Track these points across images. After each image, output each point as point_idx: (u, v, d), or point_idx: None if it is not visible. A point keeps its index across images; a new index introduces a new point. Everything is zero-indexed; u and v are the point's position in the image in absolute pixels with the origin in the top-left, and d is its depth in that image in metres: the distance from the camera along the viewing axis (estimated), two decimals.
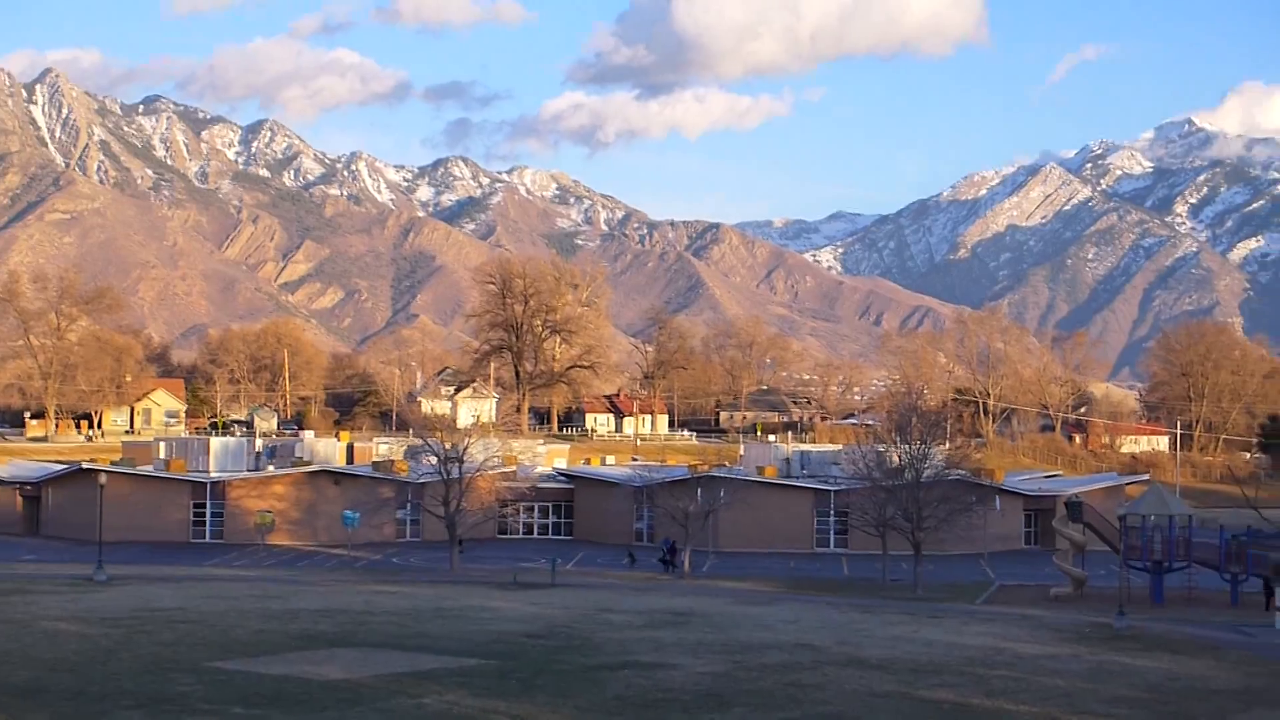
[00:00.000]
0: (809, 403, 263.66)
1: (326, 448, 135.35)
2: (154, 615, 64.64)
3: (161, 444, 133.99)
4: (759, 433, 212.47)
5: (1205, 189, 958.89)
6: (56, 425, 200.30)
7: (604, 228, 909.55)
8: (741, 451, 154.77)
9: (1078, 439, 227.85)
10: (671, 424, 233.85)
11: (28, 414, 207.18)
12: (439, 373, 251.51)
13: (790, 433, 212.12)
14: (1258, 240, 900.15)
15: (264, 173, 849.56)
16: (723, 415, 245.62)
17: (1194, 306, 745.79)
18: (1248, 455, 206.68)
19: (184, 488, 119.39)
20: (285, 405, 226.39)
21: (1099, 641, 63.73)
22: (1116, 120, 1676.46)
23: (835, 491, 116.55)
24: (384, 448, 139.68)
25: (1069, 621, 71.80)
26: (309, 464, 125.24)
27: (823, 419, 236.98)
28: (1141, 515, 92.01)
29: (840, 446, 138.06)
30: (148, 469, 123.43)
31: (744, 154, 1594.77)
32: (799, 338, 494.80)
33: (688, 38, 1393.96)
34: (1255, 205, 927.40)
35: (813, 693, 48.04)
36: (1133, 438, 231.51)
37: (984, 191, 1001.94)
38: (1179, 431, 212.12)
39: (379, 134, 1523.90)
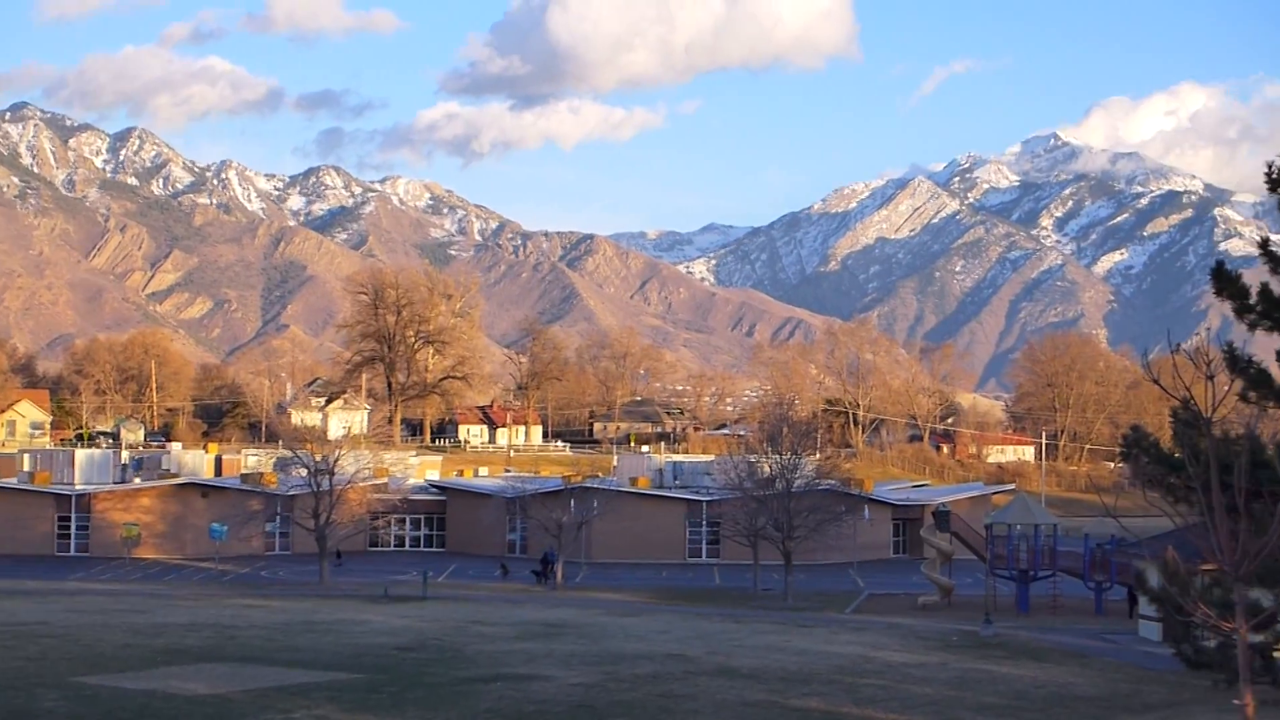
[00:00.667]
0: (682, 413, 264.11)
1: (194, 460, 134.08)
2: (17, 630, 63.81)
3: (26, 456, 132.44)
4: (632, 443, 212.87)
5: (1070, 202, 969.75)
6: None
7: (478, 238, 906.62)
8: (615, 462, 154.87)
9: (945, 449, 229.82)
10: (545, 435, 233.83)
11: None
12: (309, 384, 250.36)
13: (663, 443, 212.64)
14: (1121, 253, 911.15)
15: (132, 181, 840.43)
16: (596, 426, 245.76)
17: (1059, 318, 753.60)
18: (1111, 465, 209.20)
19: (49, 500, 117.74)
20: (152, 417, 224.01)
21: (966, 649, 64.29)
22: (984, 134, 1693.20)
23: (707, 502, 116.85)
24: (253, 460, 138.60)
25: (936, 630, 72.38)
26: (176, 476, 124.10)
27: (695, 429, 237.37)
28: (1007, 524, 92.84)
29: (712, 457, 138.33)
30: (11, 481, 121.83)
31: (618, 165, 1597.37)
32: (672, 348, 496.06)
33: (562, 48, 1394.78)
34: (1119, 219, 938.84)
35: (684, 703, 48.17)
36: (999, 447, 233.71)
37: (854, 204, 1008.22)
38: (1044, 441, 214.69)
39: (250, 142, 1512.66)
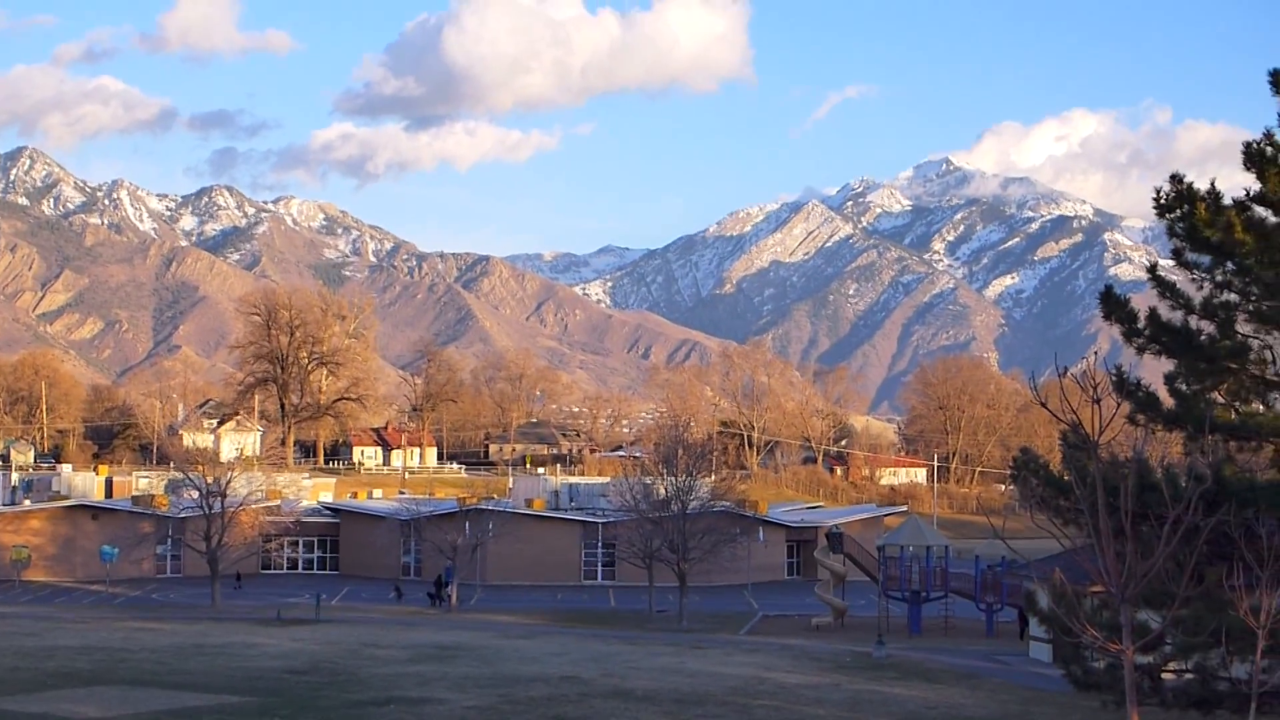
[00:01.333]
0: (578, 435, 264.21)
1: (84, 482, 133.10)
2: None
3: None
4: (528, 465, 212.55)
5: (962, 227, 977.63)
6: None
7: (372, 259, 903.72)
8: (510, 484, 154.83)
9: (839, 471, 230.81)
10: (440, 457, 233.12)
11: None
12: (201, 405, 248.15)
13: (559, 465, 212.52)
14: (1012, 277, 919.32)
15: (23, 201, 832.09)
16: (492, 448, 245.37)
17: (951, 342, 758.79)
18: (1002, 487, 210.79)
19: None
20: (43, 438, 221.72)
21: (858, 671, 64.55)
22: (877, 158, 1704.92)
23: (603, 524, 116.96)
24: (144, 482, 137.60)
25: (829, 651, 72.62)
26: (66, 498, 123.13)
27: (591, 451, 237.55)
28: (899, 546, 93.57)
29: (608, 479, 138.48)
30: None
31: (514, 187, 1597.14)
32: (568, 370, 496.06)
33: (458, 70, 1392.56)
34: (1010, 243, 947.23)
35: None
36: (892, 470, 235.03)
37: (749, 227, 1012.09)
38: (936, 464, 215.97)
39: (142, 162, 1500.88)
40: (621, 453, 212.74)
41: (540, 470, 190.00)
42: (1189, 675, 29.23)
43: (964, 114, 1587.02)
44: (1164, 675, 29.29)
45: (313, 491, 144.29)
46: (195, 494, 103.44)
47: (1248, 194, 30.02)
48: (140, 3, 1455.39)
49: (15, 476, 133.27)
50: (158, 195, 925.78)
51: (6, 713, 48.48)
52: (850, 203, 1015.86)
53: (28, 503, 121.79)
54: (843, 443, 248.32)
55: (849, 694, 56.85)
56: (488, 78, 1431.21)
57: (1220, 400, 30.80)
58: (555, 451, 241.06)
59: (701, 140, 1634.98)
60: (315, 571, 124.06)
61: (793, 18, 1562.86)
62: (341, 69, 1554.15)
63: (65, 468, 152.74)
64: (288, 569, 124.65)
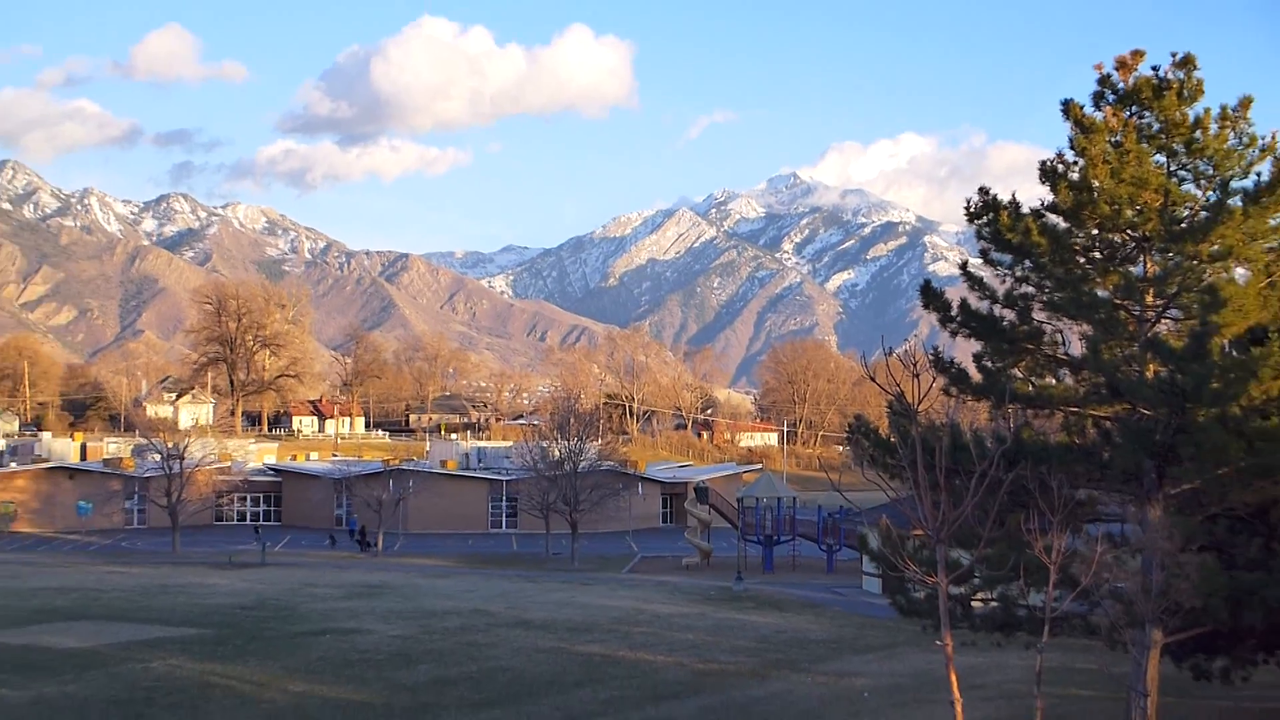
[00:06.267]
0: (485, 406, 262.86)
1: (62, 447, 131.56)
2: None
3: None
4: (443, 432, 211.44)
5: (807, 230, 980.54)
6: None
7: (308, 256, 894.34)
8: (428, 448, 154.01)
9: (705, 435, 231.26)
10: (367, 425, 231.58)
11: None
12: (161, 381, 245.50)
13: (469, 432, 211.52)
14: (849, 273, 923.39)
15: (6, 206, 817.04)
16: (412, 417, 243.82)
17: (798, 327, 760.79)
18: (840, 448, 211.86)
19: None
20: (25, 410, 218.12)
21: (721, 601, 64.92)
22: (737, 172, 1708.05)
23: (506, 481, 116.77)
24: (113, 447, 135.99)
25: (697, 586, 72.99)
26: (47, 461, 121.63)
27: (497, 420, 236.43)
28: (755, 498, 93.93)
29: (511, 443, 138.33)
30: None
31: (432, 195, 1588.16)
32: (477, 351, 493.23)
33: (384, 95, 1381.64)
34: (847, 244, 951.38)
35: (486, 650, 48.12)
36: (749, 434, 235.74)
37: (629, 230, 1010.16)
38: (786, 429, 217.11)
39: (110, 172, 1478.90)
40: (522, 421, 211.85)
41: (453, 436, 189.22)
42: (994, 603, 29.57)
43: (810, 135, 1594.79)
44: (973, 604, 29.62)
45: (258, 455, 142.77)
46: (157, 457, 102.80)
47: (1043, 204, 30.39)
48: (114, 35, 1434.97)
49: (2, 442, 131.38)
50: (123, 201, 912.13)
51: None
52: (714, 210, 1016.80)
53: (13, 465, 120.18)
54: (708, 411, 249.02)
55: (713, 621, 57.17)
56: (410, 102, 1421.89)
57: (1019, 375, 31.14)
58: (466, 420, 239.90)
59: (592, 156, 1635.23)
60: (261, 523, 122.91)
61: (670, 54, 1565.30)
62: (284, 93, 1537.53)
63: (45, 435, 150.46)
64: (237, 521, 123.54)
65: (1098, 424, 30.35)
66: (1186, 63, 29.87)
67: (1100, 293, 30.13)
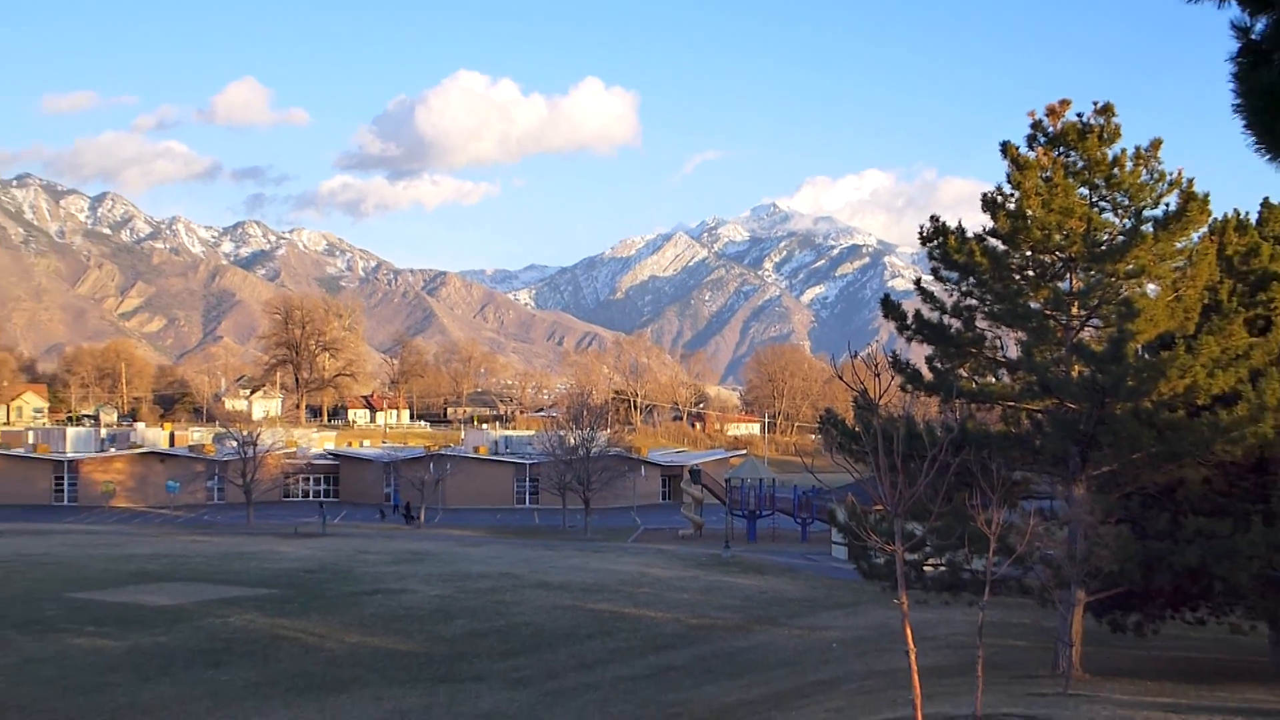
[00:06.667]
0: (511, 401, 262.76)
1: (154, 435, 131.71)
2: (26, 559, 62.31)
3: (30, 432, 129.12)
4: (475, 422, 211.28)
5: (785, 252, 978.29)
6: None
7: (361, 273, 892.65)
8: (463, 436, 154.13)
9: (698, 426, 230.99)
10: (411, 417, 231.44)
11: None
12: (237, 379, 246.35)
13: (498, 422, 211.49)
14: (820, 288, 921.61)
15: (106, 231, 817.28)
16: (449, 410, 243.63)
17: (777, 334, 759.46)
18: (813, 437, 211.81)
19: (48, 465, 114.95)
20: (123, 404, 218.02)
21: (711, 566, 64.97)
22: (725, 202, 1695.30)
23: (529, 464, 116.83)
24: (197, 435, 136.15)
25: (691, 553, 73.03)
26: (141, 447, 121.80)
27: (521, 412, 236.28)
28: (741, 478, 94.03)
29: (533, 432, 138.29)
30: (20, 451, 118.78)
31: (466, 221, 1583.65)
32: (504, 354, 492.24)
33: (426, 137, 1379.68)
34: (819, 264, 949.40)
35: (512, 608, 48.23)
36: (735, 424, 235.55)
37: (634, 251, 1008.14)
38: (766, 420, 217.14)
39: (195, 202, 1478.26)
40: (542, 413, 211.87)
41: (484, 426, 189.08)
42: (942, 568, 29.62)
43: (787, 170, 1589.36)
44: (925, 568, 29.68)
45: (319, 442, 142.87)
46: (234, 443, 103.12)
47: (984, 230, 30.45)
48: (198, 87, 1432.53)
49: (104, 431, 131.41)
50: (205, 227, 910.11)
51: (100, 602, 48.08)
52: (705, 234, 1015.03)
53: (113, 450, 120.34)
54: (701, 405, 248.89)
55: (704, 583, 57.24)
56: (448, 143, 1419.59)
57: (964, 375, 31.19)
58: (495, 412, 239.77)
59: (602, 188, 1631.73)
60: (322, 499, 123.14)
61: (668, 102, 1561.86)
62: (342, 136, 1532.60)
63: (140, 425, 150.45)
64: (301, 498, 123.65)
65: (1031, 416, 30.42)
66: (1106, 110, 30.03)
67: (1033, 305, 30.21)
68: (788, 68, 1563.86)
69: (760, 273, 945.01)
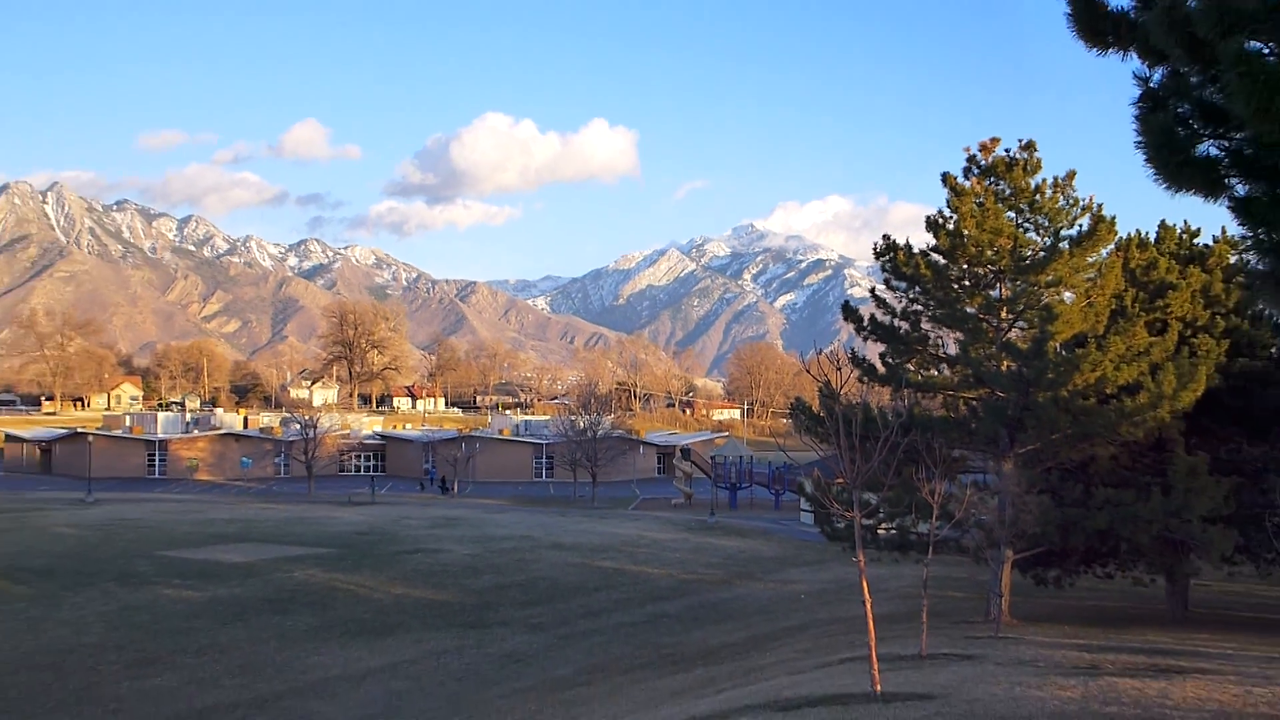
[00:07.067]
0: (530, 390, 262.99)
1: (230, 419, 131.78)
2: (123, 523, 62.33)
3: (127, 417, 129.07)
4: (500, 409, 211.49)
5: (761, 265, 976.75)
6: (60, 405, 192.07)
7: (404, 283, 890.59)
8: (489, 420, 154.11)
9: (688, 411, 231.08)
10: (446, 404, 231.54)
11: (43, 398, 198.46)
12: (300, 372, 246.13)
13: (519, 409, 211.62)
14: (791, 296, 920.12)
15: (191, 248, 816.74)
16: (478, 398, 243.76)
17: (754, 334, 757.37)
18: (784, 421, 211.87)
19: (141, 444, 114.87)
20: (204, 393, 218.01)
21: (699, 530, 65.03)
22: (710, 223, 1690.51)
23: (545, 444, 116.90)
24: (266, 419, 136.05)
25: (682, 519, 73.07)
26: (219, 429, 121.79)
27: (538, 400, 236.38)
28: (724, 456, 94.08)
29: (549, 417, 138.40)
30: (119, 432, 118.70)
31: (493, 239, 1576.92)
32: (524, 352, 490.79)
33: (460, 169, 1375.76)
34: (789, 275, 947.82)
35: (531, 564, 48.30)
36: (719, 410, 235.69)
37: (634, 264, 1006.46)
38: (745, 407, 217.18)
39: (265, 223, 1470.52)
40: (557, 401, 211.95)
41: (507, 412, 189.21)
42: (893, 531, 29.72)
43: (762, 195, 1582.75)
44: (879, 531, 29.76)
45: (369, 425, 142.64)
46: (297, 426, 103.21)
47: (928, 246, 30.50)
48: (269, 127, 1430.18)
49: (188, 416, 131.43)
50: (274, 244, 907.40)
51: (185, 559, 48.14)
52: (694, 250, 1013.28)
53: (196, 432, 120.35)
54: (690, 394, 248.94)
55: (693, 544, 57.31)
56: (478, 174, 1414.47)
57: (911, 369, 31.26)
58: (516, 400, 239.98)
59: (606, 211, 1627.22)
60: (371, 474, 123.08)
61: (663, 139, 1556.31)
62: (388, 167, 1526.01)
63: (219, 411, 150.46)
64: (354, 472, 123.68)
65: (967, 403, 30.50)
66: (1029, 146, 30.13)
67: (969, 310, 30.27)
68: (764, 108, 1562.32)
69: (740, 282, 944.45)
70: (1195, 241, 33.76)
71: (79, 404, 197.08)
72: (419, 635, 34.83)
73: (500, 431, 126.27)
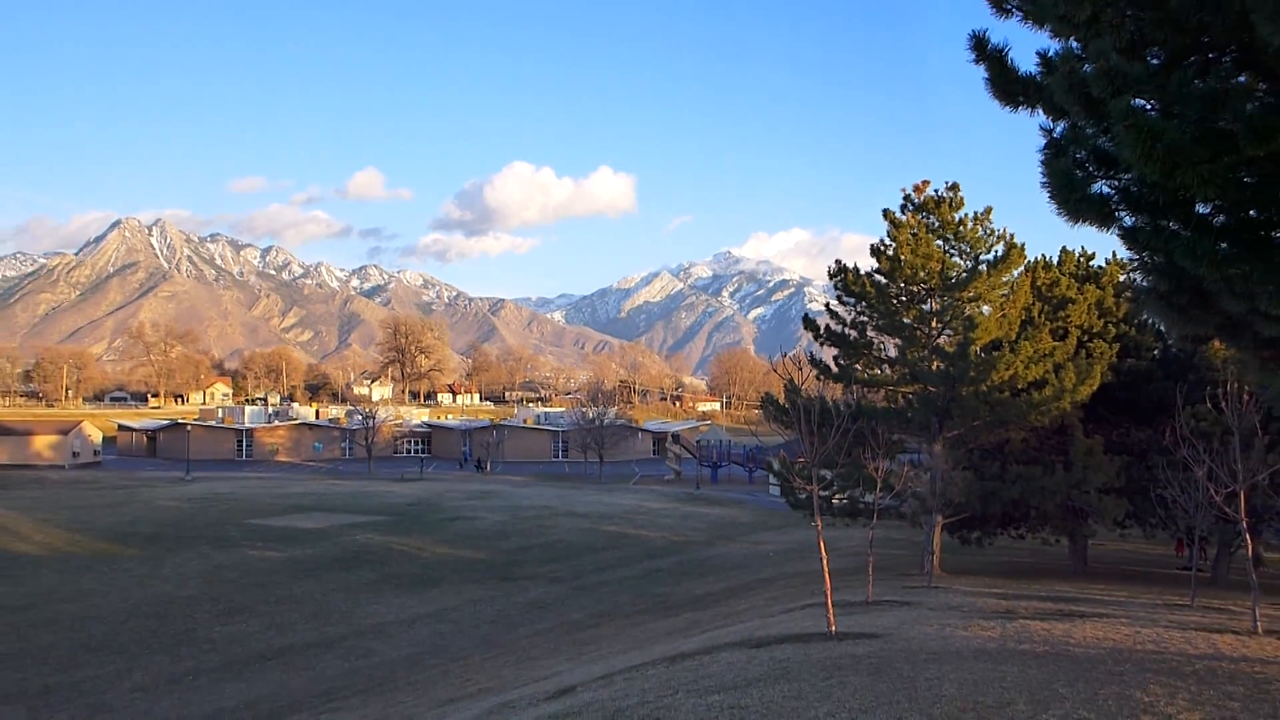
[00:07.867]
0: (549, 387, 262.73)
1: (305, 411, 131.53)
2: (216, 497, 62.24)
3: (219, 410, 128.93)
4: (524, 403, 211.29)
5: (737, 284, 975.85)
6: (164, 401, 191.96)
7: (446, 300, 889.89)
8: (516, 412, 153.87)
9: (677, 404, 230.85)
10: (480, 398, 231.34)
11: (149, 395, 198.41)
12: (362, 373, 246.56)
13: (540, 402, 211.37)
14: (761, 310, 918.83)
15: (272, 272, 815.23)
16: (506, 394, 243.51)
17: (732, 341, 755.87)
18: (756, 411, 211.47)
19: (232, 432, 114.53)
20: (283, 390, 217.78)
21: (687, 501, 64.99)
22: (695, 250, 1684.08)
23: (562, 431, 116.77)
24: (334, 411, 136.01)
25: (673, 492, 72.99)
26: (296, 420, 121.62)
27: (556, 396, 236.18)
28: (707, 440, 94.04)
29: (564, 409, 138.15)
30: (213, 423, 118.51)
31: (518, 266, 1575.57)
32: (544, 356, 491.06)
33: (491, 208, 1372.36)
34: (760, 293, 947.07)
35: (550, 529, 48.23)
36: (703, 403, 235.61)
37: (633, 284, 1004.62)
38: (724, 400, 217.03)
39: (333, 252, 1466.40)
40: (570, 396, 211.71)
41: (530, 405, 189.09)
42: (845, 501, 29.71)
43: (738, 227, 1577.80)
44: (833, 501, 29.75)
45: (418, 416, 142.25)
46: (360, 417, 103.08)
47: (873, 269, 30.51)
48: (336, 173, 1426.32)
49: (270, 409, 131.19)
50: (340, 269, 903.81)
51: (267, 525, 48.04)
52: (682, 273, 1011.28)
53: (277, 422, 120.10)
54: (679, 390, 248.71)
55: (683, 512, 57.26)
56: (506, 211, 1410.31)
57: (859, 368, 31.25)
58: (538, 395, 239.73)
59: (611, 241, 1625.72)
60: (420, 455, 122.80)
61: (657, 182, 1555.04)
62: (433, 206, 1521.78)
63: (295, 404, 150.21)
64: (406, 454, 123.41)
65: (905, 396, 30.49)
66: (954, 187, 30.14)
67: (906, 320, 30.26)
68: (740, 155, 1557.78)
69: (719, 299, 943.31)
70: (1091, 263, 33.79)
71: (179, 400, 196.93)
72: (459, 587, 34.79)
73: (525, 421, 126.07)
